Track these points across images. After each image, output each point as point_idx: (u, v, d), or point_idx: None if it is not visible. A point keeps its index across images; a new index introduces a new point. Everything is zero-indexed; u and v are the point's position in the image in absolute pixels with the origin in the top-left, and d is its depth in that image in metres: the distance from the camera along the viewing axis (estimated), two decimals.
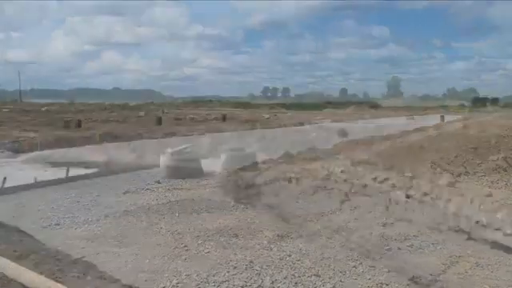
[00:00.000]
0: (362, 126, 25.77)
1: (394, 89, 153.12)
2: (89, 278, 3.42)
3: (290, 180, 8.20)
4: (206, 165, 11.82)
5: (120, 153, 13.92)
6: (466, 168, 11.47)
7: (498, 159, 11.43)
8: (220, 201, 7.57)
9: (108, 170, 11.58)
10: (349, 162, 8.90)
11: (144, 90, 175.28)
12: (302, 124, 26.73)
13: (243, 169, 11.48)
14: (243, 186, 7.98)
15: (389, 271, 4.29)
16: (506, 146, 12.08)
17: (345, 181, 7.34)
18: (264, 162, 13.44)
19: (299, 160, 11.54)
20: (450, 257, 4.77)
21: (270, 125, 25.76)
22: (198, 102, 65.47)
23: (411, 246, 5.13)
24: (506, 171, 10.33)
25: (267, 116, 34.26)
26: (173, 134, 19.64)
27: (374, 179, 7.00)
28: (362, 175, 7.33)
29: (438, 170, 10.14)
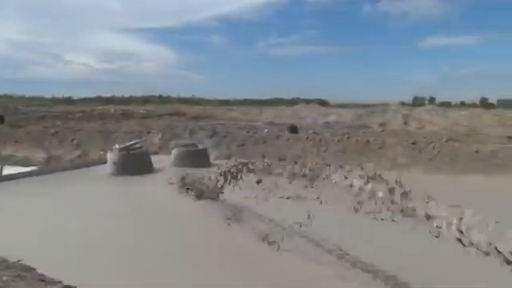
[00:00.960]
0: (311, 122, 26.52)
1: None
2: None
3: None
4: (156, 160, 11.49)
5: None
6: (408, 160, 12.35)
7: (434, 153, 12.42)
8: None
9: None
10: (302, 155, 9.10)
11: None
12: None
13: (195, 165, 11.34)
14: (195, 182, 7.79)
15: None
16: (440, 142, 13.16)
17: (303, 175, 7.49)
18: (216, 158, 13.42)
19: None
20: None
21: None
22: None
23: None
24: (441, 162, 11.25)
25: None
26: None
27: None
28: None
29: (383, 161, 10.80)
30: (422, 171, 11.33)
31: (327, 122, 26.18)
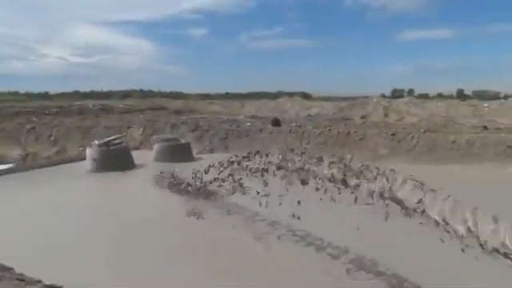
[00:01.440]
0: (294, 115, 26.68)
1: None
2: None
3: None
4: (138, 156, 11.30)
5: None
6: (388, 150, 12.60)
7: (413, 143, 12.70)
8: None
9: None
10: (285, 148, 9.15)
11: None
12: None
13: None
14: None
15: None
16: (418, 132, 13.47)
17: (283, 168, 7.52)
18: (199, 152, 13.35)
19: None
20: None
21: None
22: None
23: None
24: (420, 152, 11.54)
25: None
26: None
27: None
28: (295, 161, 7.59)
29: (364, 152, 10.99)
30: (402, 161, 11.58)
31: (310, 115, 26.39)
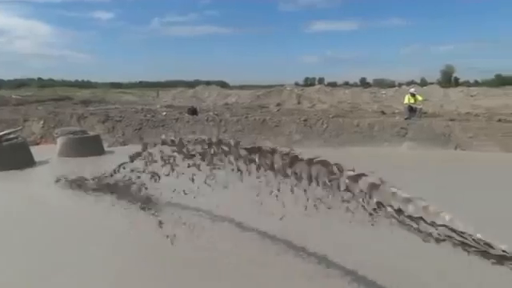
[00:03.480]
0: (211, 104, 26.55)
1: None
2: None
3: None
4: (38, 152, 10.17)
5: None
6: (301, 136, 13.31)
7: (323, 128, 13.62)
8: None
9: None
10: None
11: None
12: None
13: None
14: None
15: None
16: (327, 118, 14.50)
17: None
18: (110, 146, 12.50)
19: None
20: None
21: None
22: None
23: None
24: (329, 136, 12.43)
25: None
26: None
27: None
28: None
29: (279, 138, 11.45)
30: (314, 145, 12.34)
31: (227, 104, 26.50)
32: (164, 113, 16.99)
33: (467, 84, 42.34)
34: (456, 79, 53.24)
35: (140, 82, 50.32)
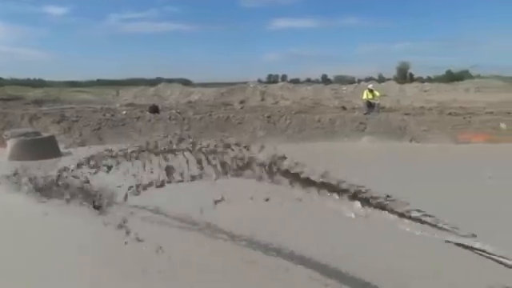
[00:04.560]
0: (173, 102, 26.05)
1: None
2: None
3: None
4: None
5: None
6: (265, 132, 13.42)
7: (286, 124, 13.82)
8: None
9: None
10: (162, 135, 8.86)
11: None
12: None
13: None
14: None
15: None
16: (290, 114, 14.73)
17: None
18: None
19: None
20: None
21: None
22: None
23: None
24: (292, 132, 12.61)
25: None
26: None
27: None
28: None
29: (243, 135, 11.48)
30: (278, 141, 12.48)
31: (190, 101, 26.13)
32: (124, 112, 16.45)
33: (421, 80, 44.49)
34: (411, 75, 55.83)
35: (98, 80, 48.27)
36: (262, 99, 26.07)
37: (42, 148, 10.36)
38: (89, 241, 4.55)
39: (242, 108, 20.44)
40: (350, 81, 45.01)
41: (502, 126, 13.64)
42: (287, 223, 4.94)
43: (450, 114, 16.05)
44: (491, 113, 16.30)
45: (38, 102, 23.89)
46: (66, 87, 37.48)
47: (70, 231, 4.85)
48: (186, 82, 44.05)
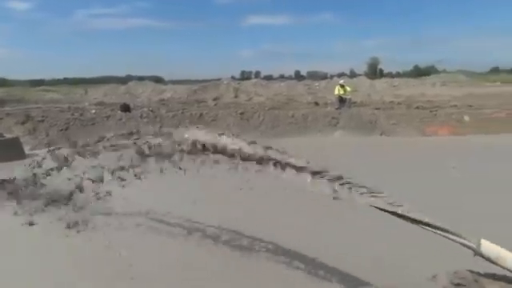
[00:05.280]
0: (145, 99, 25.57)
1: None
2: None
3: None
4: None
5: None
6: (238, 129, 13.40)
7: (259, 121, 13.86)
8: None
9: None
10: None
11: None
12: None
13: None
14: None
15: None
16: (264, 110, 14.79)
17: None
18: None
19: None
20: None
21: None
22: None
23: None
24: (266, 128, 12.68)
25: None
26: None
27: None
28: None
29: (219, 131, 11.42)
30: (251, 138, 12.50)
31: (163, 99, 25.71)
32: (93, 111, 15.97)
33: (390, 75, 45.88)
34: (381, 71, 57.41)
35: (65, 79, 46.52)
36: (236, 96, 26.03)
37: (4, 150, 9.90)
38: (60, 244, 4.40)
39: (215, 105, 20.34)
40: (323, 76, 45.72)
41: (466, 118, 14.26)
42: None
43: (417, 107, 16.63)
44: (455, 106, 17.03)
45: (0, 102, 22.76)
46: (31, 86, 35.92)
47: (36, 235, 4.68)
48: (158, 80, 43.27)
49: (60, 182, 5.39)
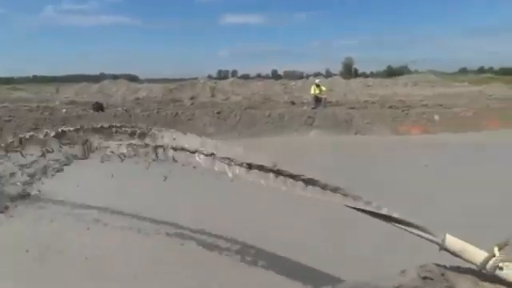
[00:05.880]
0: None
1: None
2: None
3: None
4: None
5: None
6: (215, 128, 13.33)
7: (236, 120, 13.81)
8: None
9: None
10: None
11: None
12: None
13: None
14: None
15: None
16: (240, 110, 14.77)
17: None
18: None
19: None
20: None
21: None
22: None
23: None
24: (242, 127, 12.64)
25: None
26: None
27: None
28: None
29: (193, 132, 11.27)
30: (228, 137, 12.45)
31: (138, 98, 25.17)
32: (64, 110, 15.45)
33: (365, 75, 46.83)
34: (356, 71, 58.50)
35: (34, 77, 44.72)
36: (213, 95, 25.82)
37: None
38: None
39: (192, 104, 20.10)
40: (300, 76, 46.11)
41: (436, 117, 14.75)
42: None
43: (390, 107, 17.04)
44: (426, 105, 17.58)
45: None
46: None
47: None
48: (133, 78, 42.35)
49: None
